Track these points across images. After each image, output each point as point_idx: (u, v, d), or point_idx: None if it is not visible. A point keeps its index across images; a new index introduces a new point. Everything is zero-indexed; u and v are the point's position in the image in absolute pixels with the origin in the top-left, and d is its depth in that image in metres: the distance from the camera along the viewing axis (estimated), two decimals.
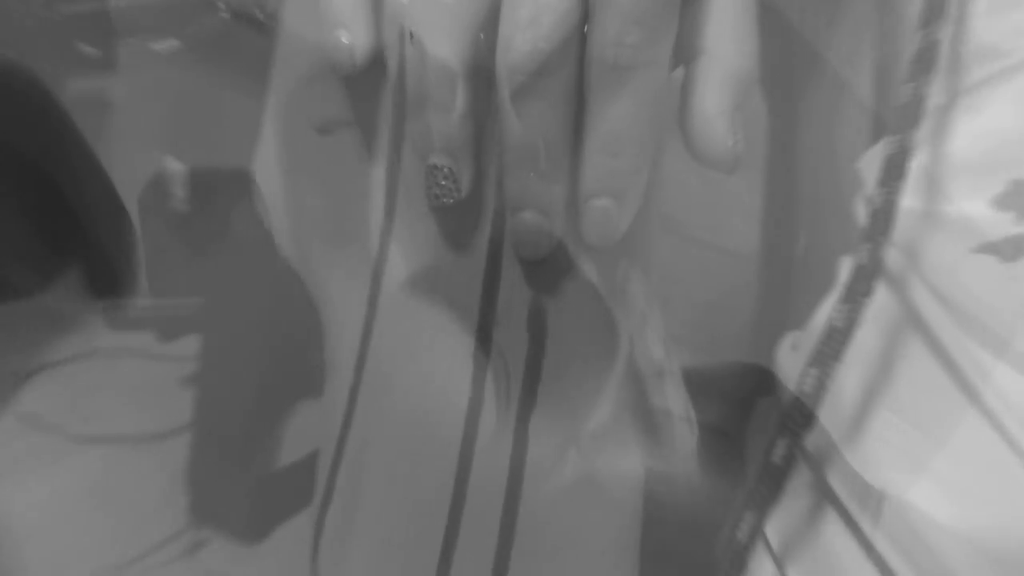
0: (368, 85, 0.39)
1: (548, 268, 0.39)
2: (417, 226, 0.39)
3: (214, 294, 0.43)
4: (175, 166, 0.49)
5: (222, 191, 0.47)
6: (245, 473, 0.42)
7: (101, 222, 0.49)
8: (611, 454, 0.42)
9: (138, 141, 0.51)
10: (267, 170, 0.42)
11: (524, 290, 0.39)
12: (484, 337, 0.39)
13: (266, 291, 0.42)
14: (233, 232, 0.43)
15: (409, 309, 0.40)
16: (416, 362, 0.40)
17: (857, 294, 0.41)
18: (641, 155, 0.38)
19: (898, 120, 0.44)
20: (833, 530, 0.44)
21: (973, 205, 0.43)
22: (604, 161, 0.37)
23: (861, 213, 0.45)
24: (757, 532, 0.40)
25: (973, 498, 0.42)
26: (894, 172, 0.43)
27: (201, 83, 0.51)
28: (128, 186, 0.49)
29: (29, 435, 0.44)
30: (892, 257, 0.44)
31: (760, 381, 0.48)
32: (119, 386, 0.44)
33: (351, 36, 0.38)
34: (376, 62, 0.39)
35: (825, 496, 0.43)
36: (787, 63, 0.50)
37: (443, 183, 0.37)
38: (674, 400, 0.42)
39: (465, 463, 0.40)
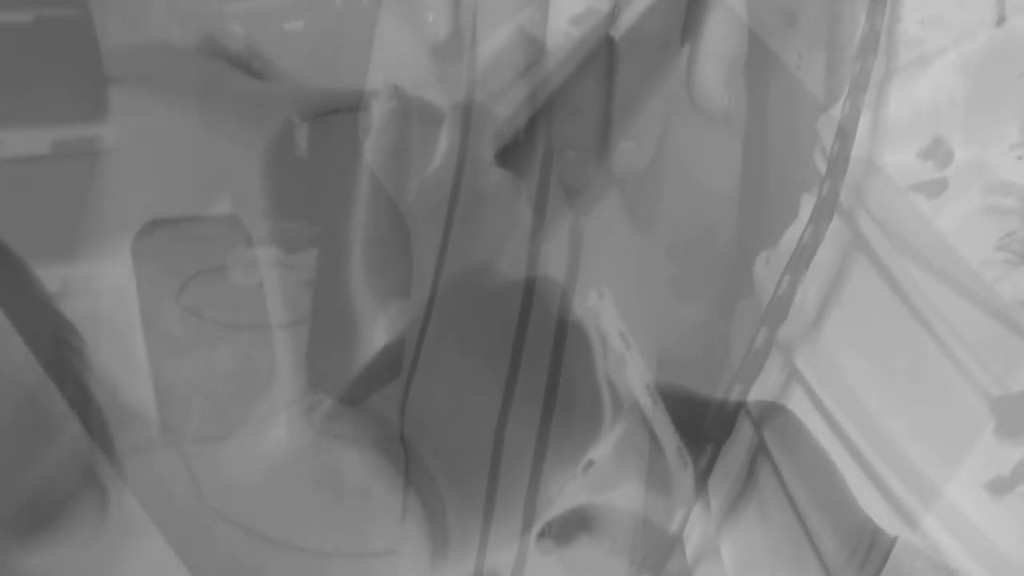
0: (449, 53, 0.39)
1: (585, 194, 0.39)
2: (484, 160, 0.39)
3: (327, 217, 0.43)
4: None
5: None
6: (349, 352, 0.42)
7: None
8: (611, 487, 0.41)
9: (131, 188, 0.45)
10: (370, 120, 0.41)
11: (566, 211, 0.39)
12: (536, 247, 0.38)
13: (368, 216, 0.42)
14: (344, 173, 0.43)
15: (476, 227, 0.39)
16: (481, 268, 0.40)
17: (821, 219, 0.41)
18: (657, 110, 0.37)
19: (851, 88, 0.43)
20: (798, 400, 0.43)
21: (904, 156, 0.43)
22: (629, 114, 0.37)
23: (819, 160, 0.45)
24: (743, 400, 0.39)
25: (902, 374, 0.42)
26: (848, 128, 0.42)
27: (195, 130, 0.45)
28: (121, 233, 0.43)
29: (191, 323, 0.43)
30: (843, 194, 0.43)
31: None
32: (256, 287, 0.43)
33: (435, 16, 0.38)
34: (455, 36, 0.38)
35: (792, 374, 0.43)
36: (761, 47, 0.49)
37: (505, 127, 0.37)
38: (664, 437, 0.41)
39: (519, 344, 0.39)
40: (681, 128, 0.41)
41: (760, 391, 0.43)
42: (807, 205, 0.42)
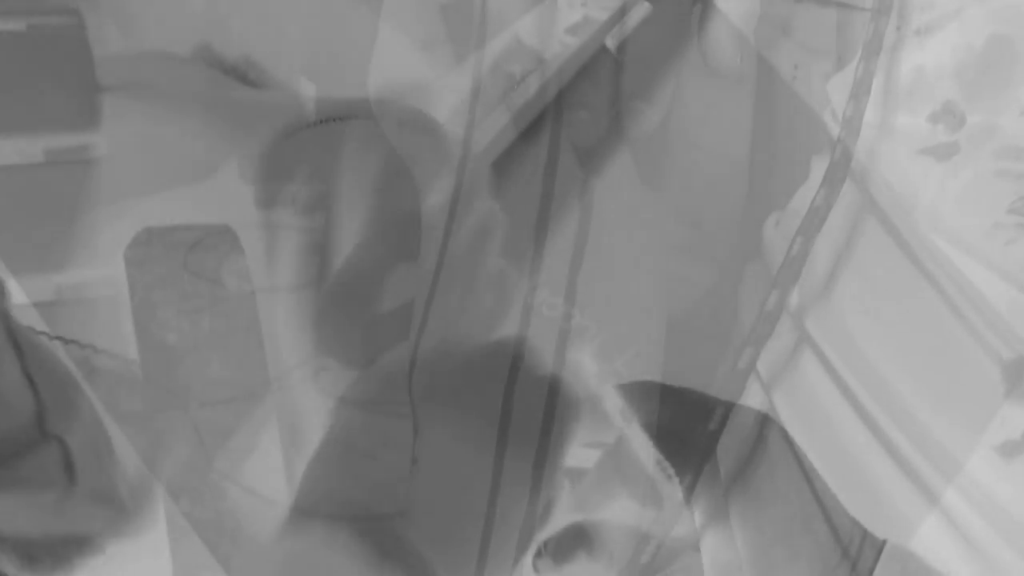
0: (459, 15, 0.38)
1: (596, 155, 0.38)
2: (494, 117, 0.38)
3: (337, 179, 0.42)
4: None
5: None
6: (357, 315, 0.41)
7: None
8: (602, 503, 0.40)
9: (124, 196, 0.44)
10: (381, 73, 0.41)
11: (577, 170, 0.38)
12: (546, 204, 0.38)
13: (378, 177, 0.41)
14: (355, 131, 0.42)
15: (486, 183, 0.39)
16: (490, 223, 0.39)
17: (834, 181, 0.40)
18: (667, 70, 0.37)
19: (864, 52, 0.42)
20: (808, 362, 0.43)
21: (915, 120, 0.42)
22: (641, 73, 0.36)
23: (831, 123, 0.44)
24: (754, 362, 0.39)
25: (913, 337, 0.41)
26: (862, 89, 0.41)
27: (189, 138, 0.45)
28: (115, 241, 0.42)
29: (197, 284, 0.43)
30: (855, 157, 0.42)
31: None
32: (263, 249, 0.43)
33: None
34: None
35: (803, 338, 0.43)
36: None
37: (516, 88, 0.36)
38: (643, 454, 0.40)
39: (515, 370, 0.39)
40: (692, 90, 0.40)
41: (771, 354, 0.42)
42: (819, 167, 0.42)
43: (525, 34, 0.35)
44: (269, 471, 0.43)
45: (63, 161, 0.44)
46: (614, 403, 0.38)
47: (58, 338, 0.41)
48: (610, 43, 0.35)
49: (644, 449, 0.38)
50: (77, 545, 0.39)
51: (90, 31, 0.45)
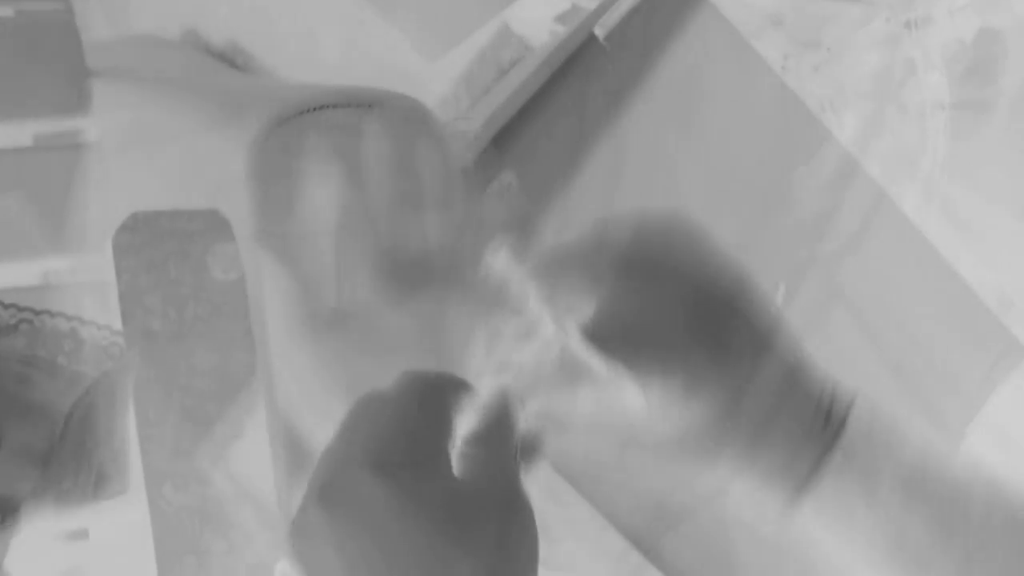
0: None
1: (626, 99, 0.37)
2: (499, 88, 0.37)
3: (345, 133, 0.41)
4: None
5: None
6: (374, 263, 0.40)
7: None
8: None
9: (114, 181, 0.43)
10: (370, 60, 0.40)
11: (606, 117, 0.37)
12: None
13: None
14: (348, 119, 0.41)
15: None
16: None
17: (867, 135, 0.39)
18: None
19: (891, 7, 0.42)
20: (839, 315, 0.42)
21: (947, 75, 0.42)
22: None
23: (862, 78, 0.43)
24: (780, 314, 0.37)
25: (944, 290, 0.41)
26: (893, 48, 0.41)
27: (178, 122, 0.44)
28: (104, 226, 0.42)
29: (183, 270, 0.43)
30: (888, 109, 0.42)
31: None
32: (238, 280, 0.43)
33: None
34: None
35: (834, 290, 0.42)
36: None
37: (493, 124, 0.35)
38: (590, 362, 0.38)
39: None
40: (717, 43, 0.39)
41: (800, 306, 0.41)
42: (851, 121, 0.41)
43: (514, 22, 0.33)
44: (254, 457, 0.42)
45: (53, 146, 0.44)
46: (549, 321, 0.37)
47: (44, 312, 0.41)
48: (599, 31, 0.34)
49: (585, 352, 0.36)
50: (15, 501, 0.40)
51: (79, 16, 0.45)
